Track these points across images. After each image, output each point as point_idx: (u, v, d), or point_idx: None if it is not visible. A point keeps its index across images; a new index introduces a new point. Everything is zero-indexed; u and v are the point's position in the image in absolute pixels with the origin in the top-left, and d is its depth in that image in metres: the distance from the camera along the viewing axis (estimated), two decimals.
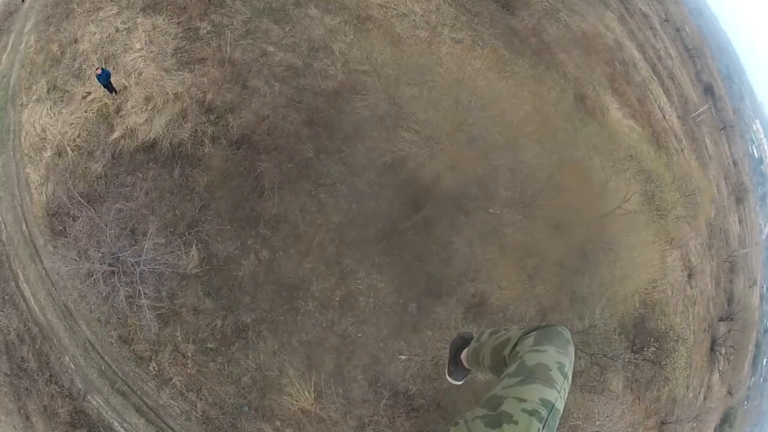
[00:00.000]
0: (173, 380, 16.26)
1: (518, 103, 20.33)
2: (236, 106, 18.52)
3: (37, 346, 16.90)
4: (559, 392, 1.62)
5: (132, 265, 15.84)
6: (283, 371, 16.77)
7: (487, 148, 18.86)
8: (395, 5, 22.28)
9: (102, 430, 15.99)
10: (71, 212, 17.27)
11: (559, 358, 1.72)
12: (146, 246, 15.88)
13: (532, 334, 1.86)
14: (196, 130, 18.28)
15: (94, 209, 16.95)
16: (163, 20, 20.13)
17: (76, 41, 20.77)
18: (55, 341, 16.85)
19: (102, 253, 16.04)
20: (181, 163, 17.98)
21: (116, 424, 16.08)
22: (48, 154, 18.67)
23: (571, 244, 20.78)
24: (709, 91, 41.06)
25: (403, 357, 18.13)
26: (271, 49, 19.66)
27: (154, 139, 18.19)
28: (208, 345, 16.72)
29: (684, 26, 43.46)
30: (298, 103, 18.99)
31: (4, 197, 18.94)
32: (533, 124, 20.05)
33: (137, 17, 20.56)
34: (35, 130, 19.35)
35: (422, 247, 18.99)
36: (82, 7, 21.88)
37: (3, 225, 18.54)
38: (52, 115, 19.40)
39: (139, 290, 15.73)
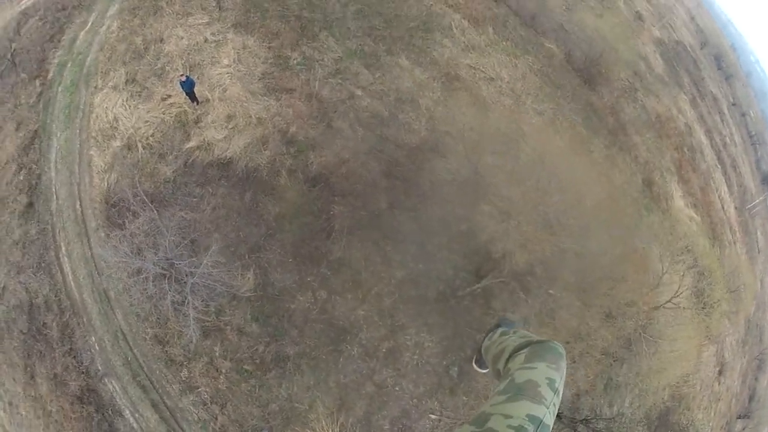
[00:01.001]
0: (200, 389, 16.35)
1: (593, 186, 21.20)
2: (318, 144, 18.91)
3: (64, 319, 17.13)
4: (548, 408, 1.70)
5: (186, 274, 15.96)
6: (312, 407, 16.83)
7: (560, 231, 19.42)
8: (483, 68, 22.98)
9: (110, 413, 16.00)
10: (132, 208, 17.49)
11: (550, 374, 1.81)
12: (205, 261, 16.26)
13: (524, 351, 1.96)
14: (275, 159, 18.69)
15: (157, 211, 17.25)
16: (254, 42, 20.79)
17: (161, 41, 21.42)
18: (84, 319, 17.06)
19: (158, 255, 16.12)
20: (254, 188, 18.28)
21: (127, 412, 16.07)
22: (117, 143, 19.14)
23: (619, 334, 21.54)
24: (766, 181, 42.19)
25: (433, 416, 18.42)
26: (359, 92, 20.21)
27: (230, 158, 18.54)
28: (245, 366, 16.76)
29: (749, 110, 44.77)
30: (379, 152, 19.44)
31: (61, 170, 19.37)
32: (605, 210, 20.83)
33: (228, 32, 21.23)
34: (107, 116, 19.84)
35: (477, 317, 19.39)
36: (171, 8, 22.58)
37: (55, 197, 18.98)
38: (127, 107, 19.90)
39: (188, 300, 15.78)
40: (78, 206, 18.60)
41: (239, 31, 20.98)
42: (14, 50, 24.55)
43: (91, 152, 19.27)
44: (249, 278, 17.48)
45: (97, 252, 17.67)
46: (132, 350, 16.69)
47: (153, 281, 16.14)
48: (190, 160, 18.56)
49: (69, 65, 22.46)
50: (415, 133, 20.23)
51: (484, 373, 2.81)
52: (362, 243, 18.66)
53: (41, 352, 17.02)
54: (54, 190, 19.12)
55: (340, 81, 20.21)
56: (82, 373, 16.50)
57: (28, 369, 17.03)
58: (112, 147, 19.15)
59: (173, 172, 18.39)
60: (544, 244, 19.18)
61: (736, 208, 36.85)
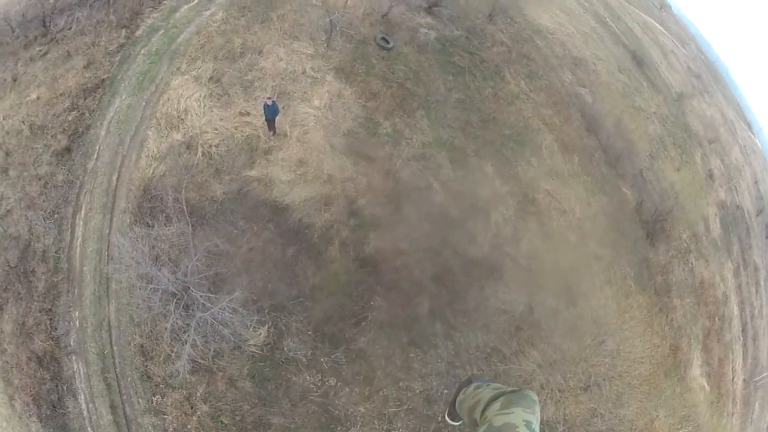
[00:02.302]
0: (167, 417, 15.71)
1: (631, 351, 21.89)
2: (381, 226, 18.57)
3: (55, 279, 16.72)
4: None
5: (197, 306, 15.61)
6: None
7: (597, 395, 19.83)
8: (560, 199, 23.31)
9: (65, 390, 15.50)
10: (168, 212, 17.23)
11: (526, 417, 1.92)
12: (224, 303, 16.14)
13: (500, 399, 2.07)
14: (333, 225, 18.31)
15: (192, 227, 16.98)
16: (351, 94, 21.01)
17: (260, 53, 21.55)
18: (75, 291, 16.61)
19: (175, 274, 15.75)
20: (300, 245, 17.85)
21: (82, 398, 15.50)
22: (178, 137, 18.88)
23: None
24: None
25: None
26: (436, 186, 20.18)
27: (287, 205, 18.25)
28: (222, 418, 16.03)
29: None
30: (436, 255, 19.09)
31: (112, 133, 19.09)
32: (641, 379, 21.50)
33: (328, 73, 21.39)
34: (178, 104, 19.59)
35: None
36: (280, 24, 22.87)
37: (96, 156, 18.76)
38: (202, 104, 19.69)
39: (190, 334, 15.42)
40: (114, 178, 18.24)
41: (340, 76, 21.30)
42: None
43: (149, 132, 19.08)
44: (261, 334, 16.90)
45: (115, 235, 17.23)
46: (112, 346, 16.12)
47: (160, 297, 15.64)
48: (245, 190, 18.38)
49: (161, 32, 22.52)
50: (478, 247, 20.38)
51: (456, 426, 2.95)
52: (389, 341, 18.48)
53: (19, 294, 16.42)
54: (97, 149, 18.78)
55: (421, 167, 20.44)
56: (52, 339, 16.00)
57: (1, 301, 16.49)
58: (172, 138, 19.00)
59: (224, 193, 18.09)
60: (580, 406, 19.45)
61: (744, 380, 37.41)
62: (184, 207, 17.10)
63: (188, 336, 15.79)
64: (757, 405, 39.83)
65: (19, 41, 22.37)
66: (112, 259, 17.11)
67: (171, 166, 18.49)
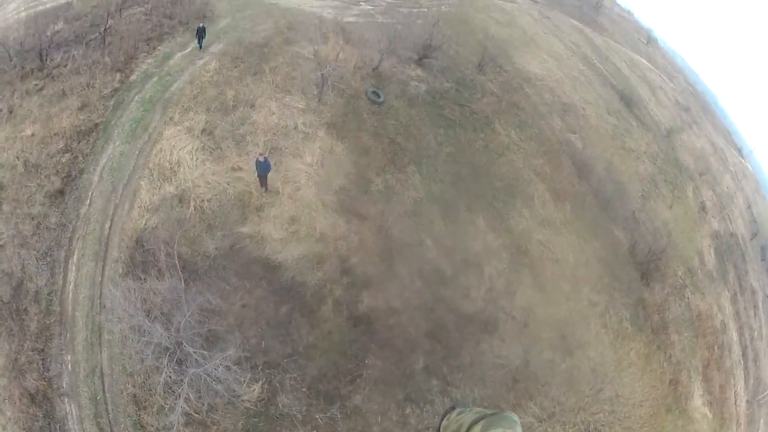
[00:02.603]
0: None
1: (631, 395, 21.90)
2: (374, 284, 18.59)
3: (47, 321, 16.62)
4: None
5: (191, 362, 15.45)
6: None
7: None
8: (553, 248, 23.44)
9: (57, 429, 15.40)
10: (160, 265, 17.13)
11: None
12: (217, 361, 16.03)
13: (482, 422, 2.09)
14: (326, 284, 18.38)
15: (185, 282, 16.71)
16: (343, 150, 21.24)
17: (252, 106, 21.80)
18: (68, 336, 16.51)
19: (169, 330, 15.59)
20: (293, 304, 17.76)
21: None
22: (170, 189, 18.92)
23: None
24: None
25: None
26: (428, 242, 20.30)
27: (279, 263, 18.19)
28: None
29: None
30: (430, 311, 19.14)
31: (105, 180, 19.11)
32: (639, 420, 21.48)
33: (320, 129, 21.61)
34: (171, 155, 19.66)
35: None
36: (272, 76, 23.23)
37: (89, 202, 18.74)
38: (194, 157, 19.77)
39: (184, 389, 15.19)
40: (107, 227, 18.26)
41: (331, 132, 21.55)
42: (109, 27, 24.72)
43: (142, 182, 19.14)
44: (254, 390, 16.75)
45: (107, 285, 17.17)
46: (104, 393, 15.98)
47: (153, 350, 15.43)
48: (238, 246, 18.40)
49: (155, 79, 22.81)
50: (472, 302, 20.42)
51: None
52: (384, 398, 18.38)
53: (11, 330, 16.36)
54: (90, 195, 18.86)
55: (413, 223, 20.57)
56: (44, 379, 15.88)
57: None
58: (164, 190, 19.05)
59: (216, 249, 18.05)
60: None
61: (747, 401, 37.25)
62: (177, 262, 16.96)
63: (182, 390, 15.64)
64: (762, 422, 39.74)
65: (16, 71, 22.58)
66: (104, 307, 17.07)
67: (163, 218, 18.53)
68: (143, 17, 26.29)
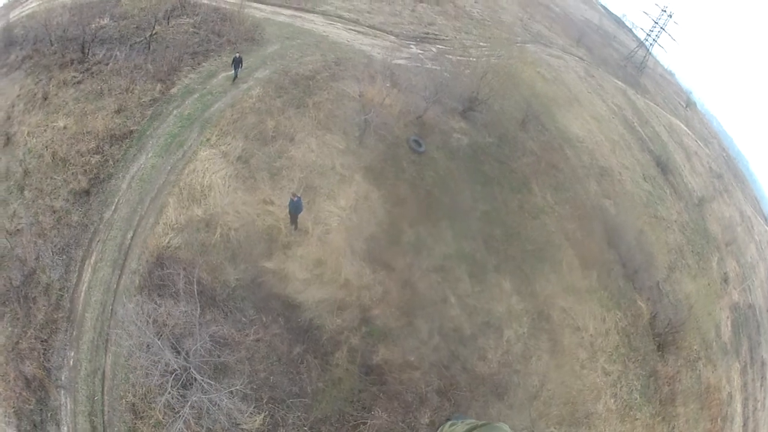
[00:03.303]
0: None
1: None
2: (392, 338, 17.46)
3: (55, 315, 16.01)
4: None
5: (197, 388, 14.64)
6: None
7: None
8: (575, 316, 22.01)
9: (49, 417, 14.75)
10: (177, 288, 16.09)
11: None
12: (222, 393, 15.08)
13: None
14: (343, 331, 17.33)
15: (201, 309, 15.80)
16: (378, 197, 20.20)
17: (292, 140, 20.84)
18: (73, 333, 15.86)
19: (179, 354, 14.84)
20: (308, 345, 16.69)
21: (64, 430, 14.68)
22: (198, 212, 18.03)
23: None
24: None
25: None
26: (452, 300, 19.10)
27: (299, 303, 17.22)
28: None
29: None
30: (444, 368, 17.94)
31: (133, 190, 18.31)
32: None
33: (357, 172, 20.57)
34: (203, 178, 18.77)
35: None
36: (315, 112, 22.20)
37: (114, 209, 17.97)
38: (227, 184, 18.84)
39: (186, 413, 14.38)
40: (129, 236, 17.49)
41: (369, 177, 20.52)
42: (155, 33, 24.17)
43: (170, 199, 18.34)
44: (256, 422, 15.74)
45: (122, 295, 16.44)
46: (103, 395, 15.25)
47: (159, 369, 14.66)
48: (260, 280, 17.40)
49: (196, 96, 22.03)
50: (487, 364, 19.10)
51: None
52: None
53: (16, 314, 15.78)
54: (116, 201, 18.11)
55: (440, 280, 19.37)
56: (44, 368, 15.28)
57: None
58: (192, 212, 18.22)
59: (237, 280, 17.12)
60: None
61: None
62: (195, 288, 16.05)
63: (183, 412, 14.75)
64: None
65: (56, 57, 22.08)
66: (115, 314, 16.29)
67: (187, 240, 17.70)
68: (191, 29, 25.62)
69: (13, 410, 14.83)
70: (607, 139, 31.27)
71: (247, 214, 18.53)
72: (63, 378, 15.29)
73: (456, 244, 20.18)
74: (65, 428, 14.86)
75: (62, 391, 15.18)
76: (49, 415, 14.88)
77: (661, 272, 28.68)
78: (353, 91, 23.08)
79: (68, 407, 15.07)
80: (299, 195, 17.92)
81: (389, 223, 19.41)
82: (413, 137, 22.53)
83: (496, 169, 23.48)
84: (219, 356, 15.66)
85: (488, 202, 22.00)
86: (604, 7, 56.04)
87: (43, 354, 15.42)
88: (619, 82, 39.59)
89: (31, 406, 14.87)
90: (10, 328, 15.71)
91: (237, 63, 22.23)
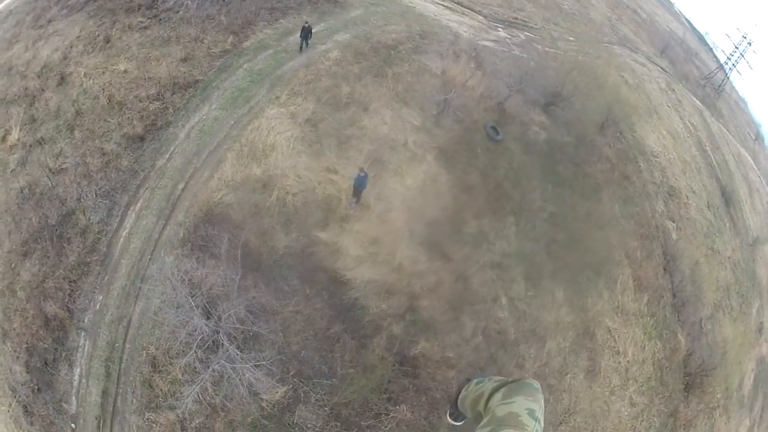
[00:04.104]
0: (154, 427, 13.38)
1: None
2: (435, 332, 15.34)
3: (88, 258, 14.59)
4: None
5: (222, 354, 13.14)
6: None
7: None
8: (618, 338, 19.40)
9: (62, 356, 13.67)
10: (221, 250, 14.61)
11: (528, 405, 1.69)
12: (248, 364, 13.57)
13: (502, 390, 1.85)
14: (386, 317, 15.23)
15: (242, 274, 14.01)
16: (446, 181, 17.67)
17: (366, 109, 18.52)
18: (105, 278, 14.42)
19: (209, 317, 13.55)
20: (346, 325, 14.83)
21: (77, 372, 13.59)
22: (256, 171, 16.03)
23: None
24: None
25: None
26: (503, 301, 16.73)
27: (347, 280, 15.24)
28: None
29: None
30: (479, 370, 15.93)
31: (191, 141, 16.37)
32: None
33: (429, 152, 18.09)
34: (266, 137, 16.79)
35: None
36: (394, 83, 19.70)
37: (168, 157, 16.12)
38: (291, 146, 16.75)
39: (206, 378, 13.07)
40: (180, 187, 15.70)
41: (440, 159, 18.05)
42: None
43: (229, 155, 16.46)
44: (277, 393, 14.12)
45: (162, 246, 14.80)
46: (125, 343, 13.92)
47: (187, 330, 13.19)
48: (310, 250, 15.52)
49: (269, 52, 19.78)
50: (523, 372, 16.91)
51: (458, 426, 2.63)
52: None
53: (47, 253, 14.39)
54: (171, 150, 16.25)
55: (494, 277, 17.07)
56: (67, 309, 13.95)
57: (26, 249, 14.66)
58: (250, 171, 16.28)
59: (286, 247, 15.31)
60: None
61: None
62: (239, 252, 14.14)
63: (203, 376, 13.27)
64: None
65: (123, 1, 20.05)
66: (152, 263, 14.69)
67: (241, 199, 15.81)
68: None
69: (25, 346, 13.66)
70: (679, 159, 27.85)
71: (308, 179, 16.46)
72: (86, 321, 13.97)
73: (518, 243, 17.77)
74: (78, 370, 13.64)
75: (82, 334, 13.89)
76: (63, 355, 13.67)
77: (707, 309, 25.77)
78: (436, 67, 20.38)
79: (85, 350, 13.80)
80: (366, 170, 15.68)
81: (454, 210, 17.04)
82: (491, 124, 19.83)
83: (570, 170, 20.70)
84: (253, 324, 13.85)
85: (557, 204, 19.36)
86: (689, 22, 50.72)
87: (69, 295, 14.07)
88: (697, 101, 35.52)
89: (46, 345, 13.66)
90: (37, 266, 14.35)
91: (306, 33, 19.49)
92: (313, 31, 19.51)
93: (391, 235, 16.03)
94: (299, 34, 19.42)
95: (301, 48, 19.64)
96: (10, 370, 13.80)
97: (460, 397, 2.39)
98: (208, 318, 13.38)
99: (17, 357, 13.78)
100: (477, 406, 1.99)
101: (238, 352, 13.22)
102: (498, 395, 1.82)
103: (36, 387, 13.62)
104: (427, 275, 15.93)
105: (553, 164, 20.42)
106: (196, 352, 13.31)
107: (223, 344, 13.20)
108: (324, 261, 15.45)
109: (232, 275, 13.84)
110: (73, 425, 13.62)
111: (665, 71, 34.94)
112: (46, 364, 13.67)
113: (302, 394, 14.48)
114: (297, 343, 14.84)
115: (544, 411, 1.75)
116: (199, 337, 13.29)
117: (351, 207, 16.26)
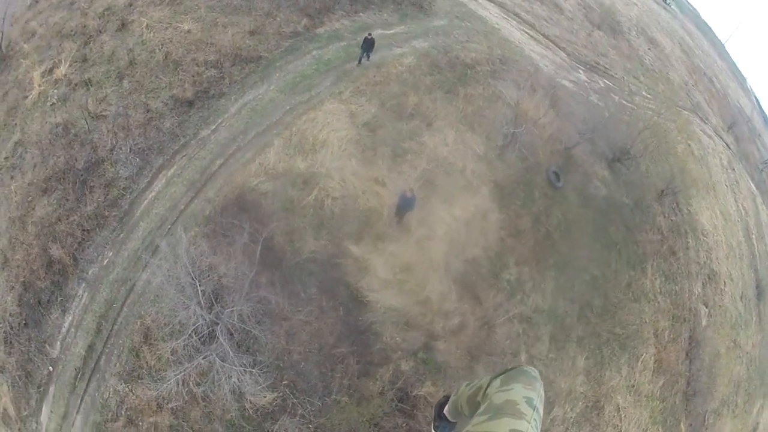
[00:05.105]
0: (129, 396, 11.59)
1: None
2: (443, 375, 12.78)
3: (107, 212, 12.83)
4: (529, 422, 1.41)
5: (215, 346, 11.11)
6: None
7: None
8: (624, 418, 15.83)
9: (57, 300, 12.10)
10: (240, 241, 12.00)
11: (526, 393, 1.52)
12: (237, 368, 11.36)
13: (500, 376, 1.68)
14: (397, 350, 12.58)
15: (257, 272, 11.73)
16: (497, 220, 14.80)
17: (429, 125, 15.90)
18: (120, 236, 12.71)
19: (211, 308, 11.26)
20: (355, 348, 12.53)
21: (68, 320, 12.02)
22: (300, 165, 13.79)
23: None
24: None
25: None
26: (523, 357, 13.94)
27: (368, 301, 12.92)
28: None
29: None
30: None
31: (239, 118, 14.19)
32: None
33: (485, 185, 15.32)
34: (320, 131, 14.40)
35: None
36: (464, 104, 17.02)
37: (214, 129, 14.02)
38: (343, 146, 14.46)
39: (190, 371, 11.16)
40: (218, 163, 13.56)
41: (495, 194, 15.34)
42: None
43: (276, 141, 14.15)
44: (264, 399, 12.03)
45: (185, 220, 12.74)
46: (122, 306, 12.12)
47: (187, 314, 11.22)
48: (336, 261, 13.08)
49: (341, 44, 17.25)
50: None
51: None
52: None
53: (66, 197, 12.63)
54: (218, 122, 14.14)
55: (520, 332, 14.44)
56: (72, 256, 12.22)
57: (47, 186, 12.91)
58: (294, 163, 13.92)
59: (312, 252, 12.96)
60: None
61: None
62: (259, 248, 11.84)
63: (188, 366, 11.22)
64: None
65: None
66: (167, 235, 12.57)
67: (277, 190, 13.53)
68: None
69: (22, 280, 11.99)
70: (726, 242, 24.32)
71: (352, 186, 14.02)
72: (89, 273, 12.17)
73: (553, 300, 15.10)
74: (70, 318, 11.99)
75: (83, 285, 12.12)
76: (58, 299, 11.98)
77: (714, 403, 22.54)
78: (510, 96, 17.46)
79: (82, 301, 12.04)
80: (414, 192, 13.14)
81: (497, 252, 14.46)
82: (554, 168, 16.94)
83: (622, 234, 17.73)
84: (258, 324, 11.71)
85: (601, 267, 16.54)
86: (758, 101, 45.63)
87: (79, 243, 12.24)
88: (753, 185, 31.43)
89: (43, 285, 11.93)
90: (54, 206, 12.53)
91: (368, 45, 16.33)
92: (374, 45, 16.56)
93: (426, 266, 13.55)
94: (361, 46, 16.48)
95: (360, 61, 16.73)
96: (2, 298, 12.06)
97: (450, 401, 2.06)
98: (210, 308, 11.23)
99: (12, 287, 12.20)
100: (475, 398, 1.73)
101: (231, 352, 11.10)
102: (496, 382, 1.62)
103: (24, 321, 12.08)
104: (452, 316, 13.45)
105: (606, 224, 17.44)
106: (190, 337, 11.36)
107: (218, 338, 11.13)
108: (348, 276, 13.10)
109: (245, 270, 11.61)
110: (51, 368, 12.00)
111: (729, 147, 30.93)
112: (39, 303, 12.06)
113: (290, 406, 12.31)
114: (298, 354, 12.62)
115: (543, 400, 1.52)
116: (196, 325, 11.28)
117: (391, 225, 13.82)
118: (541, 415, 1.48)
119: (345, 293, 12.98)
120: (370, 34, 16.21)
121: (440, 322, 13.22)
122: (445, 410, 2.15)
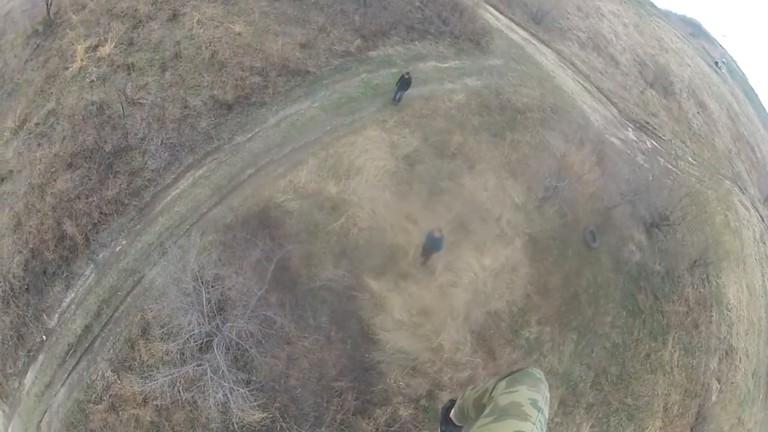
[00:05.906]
0: (116, 385, 10.58)
1: None
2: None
3: (126, 200, 11.96)
4: (534, 424, 1.31)
5: (209, 357, 10.14)
6: None
7: None
8: None
9: (64, 275, 11.33)
10: (252, 258, 11.02)
11: (531, 395, 1.41)
12: (228, 385, 10.31)
13: (505, 378, 1.57)
14: (400, 395, 11.15)
15: (267, 291, 10.68)
16: (526, 275, 13.13)
17: (471, 167, 14.38)
18: (137, 227, 11.85)
19: (212, 318, 10.25)
20: (357, 384, 11.11)
21: (70, 295, 11.22)
22: (332, 189, 12.62)
23: None
24: None
25: None
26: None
27: (378, 339, 11.52)
28: None
29: None
30: None
31: (278, 130, 13.06)
32: None
33: (519, 237, 13.72)
34: (357, 158, 13.18)
35: None
36: (509, 149, 15.69)
37: (249, 137, 12.98)
38: (379, 176, 13.22)
39: (179, 379, 10.20)
40: (247, 173, 12.46)
41: (528, 248, 13.73)
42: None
43: (310, 160, 12.98)
44: (254, 417, 10.70)
45: (205, 223, 11.69)
46: (127, 296, 11.27)
47: (187, 319, 10.23)
48: (352, 293, 11.76)
49: (392, 71, 16.04)
50: None
51: None
52: None
53: (89, 176, 11.69)
54: (255, 131, 13.05)
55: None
56: (85, 236, 11.40)
57: (72, 161, 11.99)
58: (326, 185, 12.63)
59: (329, 280, 11.66)
60: None
61: None
62: (272, 268, 10.74)
63: (179, 373, 10.18)
64: None
65: None
66: (184, 235, 11.53)
67: (304, 211, 12.26)
68: (417, 3, 18.63)
69: (31, 246, 11.04)
70: (747, 318, 21.88)
71: (382, 218, 12.66)
72: (100, 256, 11.21)
73: (569, 364, 13.47)
74: (72, 294, 11.19)
75: (92, 266, 11.21)
76: (64, 274, 11.08)
77: None
78: (558, 148, 15.81)
79: (88, 281, 11.11)
80: (443, 233, 11.70)
81: (520, 308, 12.91)
82: (591, 228, 15.17)
83: (649, 303, 15.87)
84: (258, 342, 10.52)
85: (624, 334, 14.77)
86: None
87: (94, 225, 11.26)
88: None
89: (51, 257, 11.01)
90: (76, 182, 11.54)
91: (404, 84, 14.57)
92: (410, 84, 14.91)
93: (445, 312, 12.16)
94: (396, 83, 14.78)
95: (395, 98, 15.05)
96: (9, 259, 11.35)
97: (457, 405, 1.87)
98: (211, 317, 10.22)
99: (20, 251, 11.31)
100: (482, 401, 1.60)
101: (224, 366, 10.01)
102: (502, 384, 1.51)
103: (26, 286, 11.20)
104: (463, 368, 12.02)
105: (635, 290, 15.60)
106: (187, 342, 10.35)
107: (213, 350, 10.11)
108: (363, 311, 11.81)
109: (253, 287, 10.51)
110: (44, 337, 11.20)
111: (763, 220, 27.94)
112: (44, 273, 11.19)
113: (277, 429, 11.11)
114: (296, 380, 11.39)
115: (548, 402, 1.41)
116: (194, 332, 10.27)
117: (415, 266, 12.44)
118: (546, 416, 1.35)
119: (356, 327, 11.72)
120: (407, 74, 14.59)
121: (449, 372, 11.82)
122: (452, 414, 1.97)
